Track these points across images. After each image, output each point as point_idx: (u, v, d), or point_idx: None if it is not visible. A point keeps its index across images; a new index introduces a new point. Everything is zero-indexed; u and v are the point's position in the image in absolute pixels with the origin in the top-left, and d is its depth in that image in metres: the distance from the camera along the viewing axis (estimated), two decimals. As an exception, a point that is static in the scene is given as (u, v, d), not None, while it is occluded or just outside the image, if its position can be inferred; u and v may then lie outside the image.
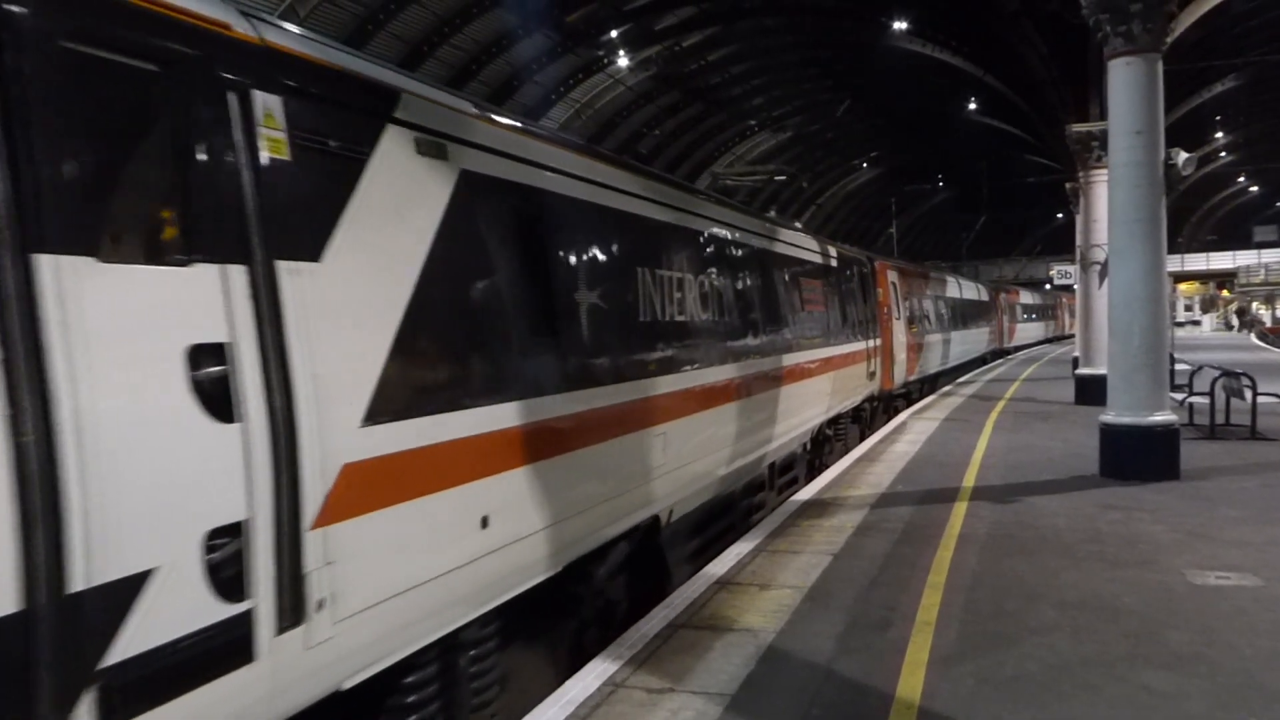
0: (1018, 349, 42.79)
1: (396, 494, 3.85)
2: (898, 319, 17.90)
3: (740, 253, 9.13)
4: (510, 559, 4.67)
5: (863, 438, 14.89)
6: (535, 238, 5.23)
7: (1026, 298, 48.02)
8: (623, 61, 33.87)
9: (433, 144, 4.35)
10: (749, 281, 9.25)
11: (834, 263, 13.56)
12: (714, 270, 8.19)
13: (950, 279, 27.45)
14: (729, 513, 8.78)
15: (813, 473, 12.13)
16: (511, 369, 4.80)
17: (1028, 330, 47.20)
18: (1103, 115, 14.60)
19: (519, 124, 5.52)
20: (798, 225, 13.72)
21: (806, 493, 10.01)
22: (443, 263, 4.27)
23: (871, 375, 15.51)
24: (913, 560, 7.04)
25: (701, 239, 8.04)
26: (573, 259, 5.66)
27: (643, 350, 6.47)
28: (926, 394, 21.78)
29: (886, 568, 6.87)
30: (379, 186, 3.94)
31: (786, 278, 10.69)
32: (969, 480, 10.38)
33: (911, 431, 14.89)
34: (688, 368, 7.21)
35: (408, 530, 3.91)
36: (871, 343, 15.45)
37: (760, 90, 43.17)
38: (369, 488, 3.68)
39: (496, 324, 4.72)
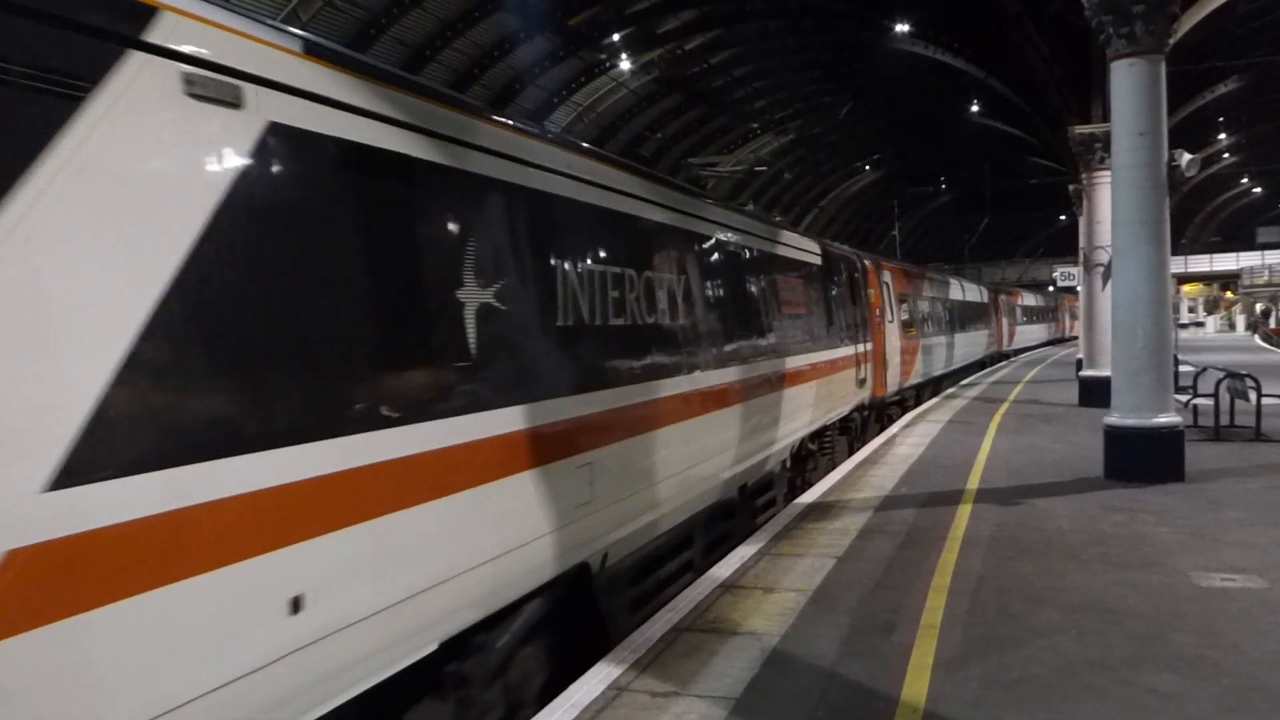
0: (1018, 352, 42.45)
1: (122, 583, 2.68)
2: (891, 322, 17.14)
3: (699, 245, 7.98)
4: (345, 648, 3.55)
5: (852, 451, 14.04)
6: (395, 214, 4.11)
7: (1026, 299, 47.77)
8: (625, 65, 33.95)
9: (217, 85, 3.17)
10: (712, 279, 8.12)
11: (818, 260, 12.41)
12: (664, 265, 7.02)
13: (947, 280, 26.89)
14: (688, 546, 7.63)
15: (794, 491, 11.10)
16: (348, 392, 3.68)
17: (1028, 333, 46.93)
18: (1105, 117, 14.60)
19: (374, 70, 4.17)
20: (778, 219, 13.13)
21: (810, 495, 9.98)
22: (229, 247, 3.15)
23: (862, 382, 14.49)
24: (917, 563, 7.02)
25: (643, 225, 6.84)
26: (454, 245, 4.49)
27: (552, 363, 5.29)
28: (924, 400, 21.09)
29: (891, 571, 6.86)
30: (109, 137, 2.82)
31: (760, 275, 9.58)
32: (973, 483, 10.36)
33: (915, 434, 14.87)
34: (623, 383, 6.05)
35: (143, 633, 2.75)
36: (862, 347, 14.46)
37: (762, 93, 43.25)
38: (64, 581, 2.54)
39: (323, 330, 3.58)
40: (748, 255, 9.40)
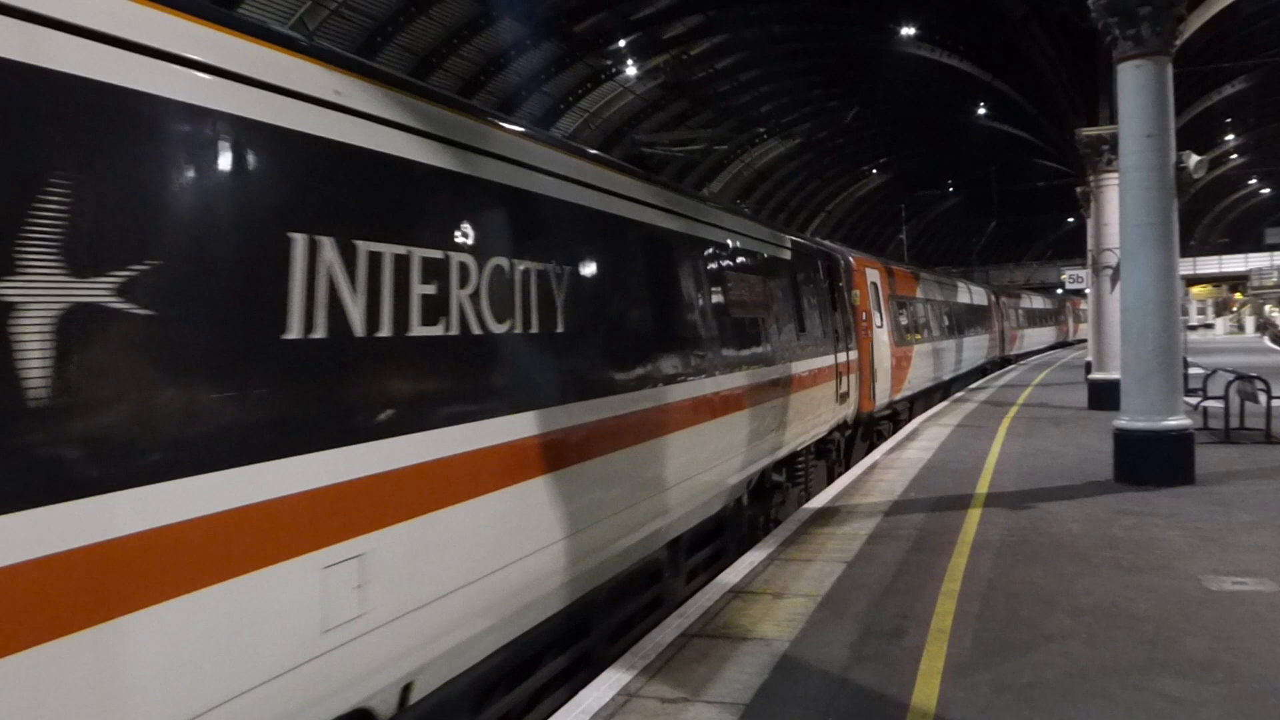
0: (1020, 357, 41.05)
1: None
2: (880, 327, 15.23)
3: (597, 224, 5.93)
4: None
5: (832, 477, 12.35)
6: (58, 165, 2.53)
7: (1030, 302, 47.15)
8: (631, 70, 34.05)
9: None
10: (612, 271, 6.05)
11: (788, 256, 10.58)
12: (530, 246, 4.91)
13: (945, 281, 25.53)
14: (582, 636, 5.67)
15: (756, 533, 9.14)
16: None
17: (1032, 336, 45.99)
18: (1113, 118, 14.56)
19: None
20: (745, 209, 11.68)
21: (819, 501, 9.99)
22: None
23: (843, 397, 12.45)
24: (927, 567, 7.02)
25: (514, 199, 4.88)
26: (175, 214, 2.89)
27: (269, 403, 3.19)
28: (918, 413, 19.24)
29: (900, 575, 6.85)
30: None
31: (699, 272, 7.57)
32: (982, 487, 10.35)
33: (924, 438, 14.86)
34: (441, 423, 4.02)
35: None
36: (844, 356, 12.52)
37: (768, 97, 43.30)
38: None
39: None
40: (678, 246, 7.30)
